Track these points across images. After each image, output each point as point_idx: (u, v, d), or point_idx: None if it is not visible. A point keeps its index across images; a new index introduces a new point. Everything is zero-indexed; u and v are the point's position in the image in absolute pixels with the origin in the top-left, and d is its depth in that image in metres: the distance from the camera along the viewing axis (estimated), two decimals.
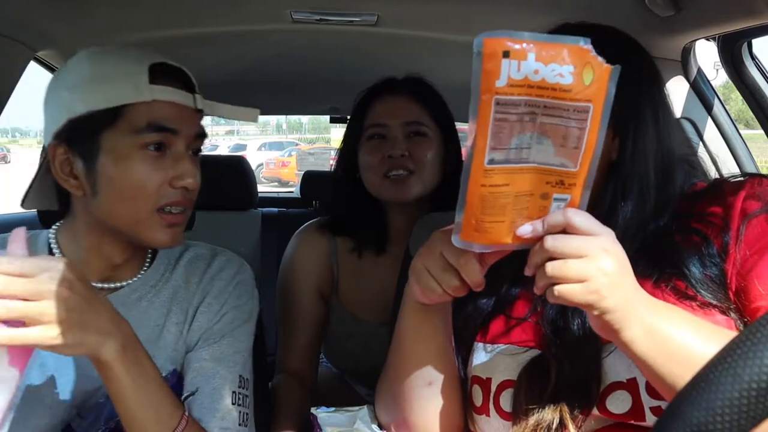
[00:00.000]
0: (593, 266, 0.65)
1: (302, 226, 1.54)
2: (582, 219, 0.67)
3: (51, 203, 1.01)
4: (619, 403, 0.77)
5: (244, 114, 0.99)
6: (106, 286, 0.98)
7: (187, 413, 0.89)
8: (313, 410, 0.94)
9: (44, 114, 0.95)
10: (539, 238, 0.67)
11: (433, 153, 1.41)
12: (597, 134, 0.65)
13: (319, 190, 2.76)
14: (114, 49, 0.94)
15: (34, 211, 1.24)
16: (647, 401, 0.76)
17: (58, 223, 1.01)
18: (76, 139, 0.90)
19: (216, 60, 1.96)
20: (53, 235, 0.99)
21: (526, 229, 0.68)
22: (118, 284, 0.99)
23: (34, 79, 1.54)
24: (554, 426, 0.79)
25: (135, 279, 1.00)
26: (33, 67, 1.45)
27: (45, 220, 1.20)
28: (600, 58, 0.62)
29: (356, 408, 0.94)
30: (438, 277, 0.76)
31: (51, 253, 0.98)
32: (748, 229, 0.79)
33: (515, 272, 0.69)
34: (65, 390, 0.94)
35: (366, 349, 1.49)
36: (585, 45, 0.62)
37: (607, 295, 0.66)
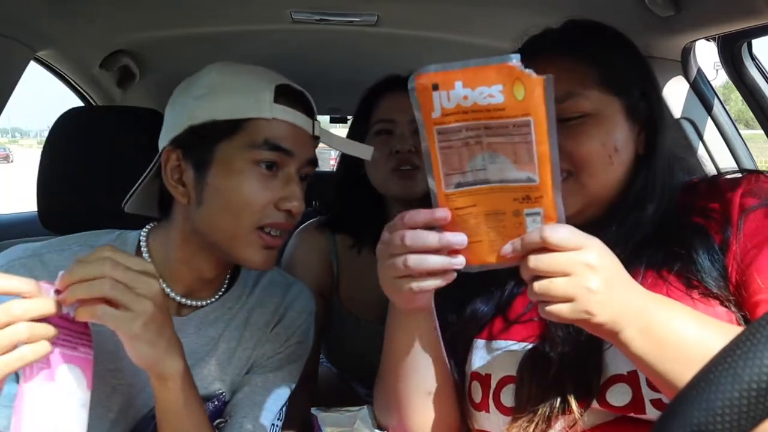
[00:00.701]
0: (579, 285, 0.64)
1: (301, 226, 1.54)
2: (560, 235, 0.65)
3: (152, 209, 1.00)
4: (619, 396, 0.78)
5: (358, 150, 0.98)
6: (189, 302, 0.97)
7: None
8: (313, 410, 0.94)
9: (165, 119, 0.95)
10: (523, 256, 0.67)
11: None
12: (547, 144, 0.65)
13: (319, 190, 2.74)
14: (244, 65, 0.95)
15: (34, 211, 1.24)
16: (647, 394, 0.76)
17: (149, 226, 0.99)
18: (193, 146, 0.90)
19: (216, 60, 1.95)
20: (144, 237, 0.97)
21: (506, 249, 0.68)
22: (200, 303, 0.98)
23: (34, 79, 1.55)
24: (556, 414, 0.79)
25: (214, 299, 1.00)
26: (33, 67, 1.45)
27: (45, 220, 1.20)
28: (529, 71, 0.63)
29: (356, 408, 0.94)
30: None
31: (139, 253, 0.96)
32: (747, 223, 0.80)
33: (513, 271, 0.69)
34: (121, 411, 0.93)
35: (366, 348, 1.43)
36: (513, 62, 0.63)
37: (598, 312, 0.65)
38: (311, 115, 0.94)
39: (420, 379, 0.86)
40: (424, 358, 0.85)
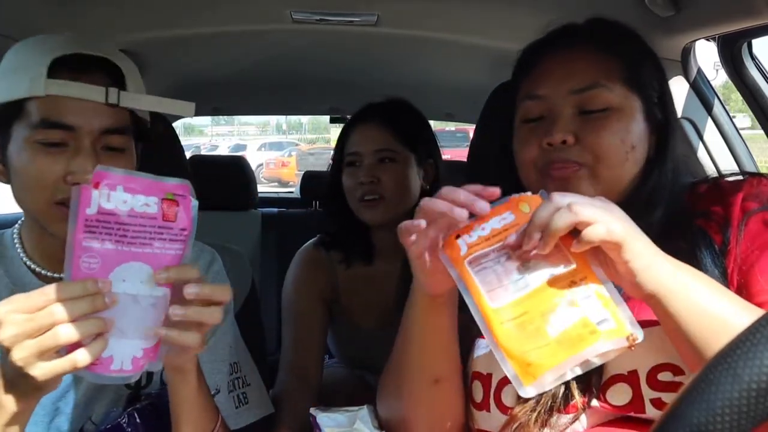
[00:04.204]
0: (608, 216, 0.67)
1: (300, 249, 1.67)
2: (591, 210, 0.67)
3: None
4: (619, 396, 0.78)
5: (176, 108, 0.94)
6: None
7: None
8: (312, 411, 0.94)
9: None
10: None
11: (403, 176, 1.53)
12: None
13: (319, 191, 2.76)
14: (39, 39, 0.93)
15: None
16: (647, 393, 0.76)
17: (21, 220, 1.01)
18: None
19: (216, 60, 1.96)
20: (16, 232, 0.99)
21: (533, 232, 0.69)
22: None
23: None
24: (556, 412, 0.79)
25: None
26: None
27: None
28: (527, 194, 0.74)
29: (356, 408, 0.94)
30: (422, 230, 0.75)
31: (17, 251, 0.97)
32: (748, 226, 0.80)
33: None
34: (80, 400, 0.96)
35: (367, 351, 1.60)
36: (513, 196, 0.73)
37: (630, 238, 0.67)
38: (117, 81, 0.90)
39: (427, 365, 0.86)
40: (435, 344, 0.85)
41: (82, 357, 0.69)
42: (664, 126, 0.90)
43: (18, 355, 0.68)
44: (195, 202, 0.74)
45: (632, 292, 0.70)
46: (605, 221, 0.66)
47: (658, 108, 0.90)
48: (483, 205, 0.71)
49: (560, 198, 0.68)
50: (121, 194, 0.71)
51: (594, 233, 0.65)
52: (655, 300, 0.69)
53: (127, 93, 0.90)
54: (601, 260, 0.70)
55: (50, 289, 0.69)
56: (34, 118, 0.87)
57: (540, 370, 0.67)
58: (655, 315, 0.71)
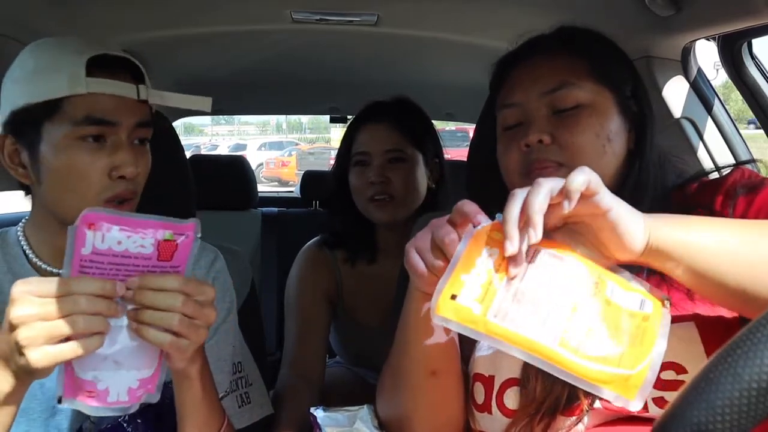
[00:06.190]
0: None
1: (303, 247, 1.66)
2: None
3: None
4: None
5: (196, 103, 0.98)
6: None
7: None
8: (312, 410, 0.94)
9: None
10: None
11: (413, 176, 1.54)
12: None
13: (319, 190, 2.76)
14: (58, 40, 0.95)
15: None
16: (650, 392, 0.76)
17: (25, 218, 1.01)
18: (20, 129, 0.92)
19: (216, 60, 1.96)
20: (21, 231, 0.99)
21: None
22: None
23: None
24: (559, 414, 0.79)
25: None
26: None
27: None
28: (482, 222, 0.69)
29: (356, 408, 0.94)
30: (424, 256, 0.75)
31: (22, 249, 0.98)
32: (736, 209, 0.81)
33: None
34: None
35: (371, 350, 1.59)
36: (474, 229, 0.69)
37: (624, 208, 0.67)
38: (137, 78, 0.94)
39: (424, 358, 0.85)
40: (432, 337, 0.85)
41: (82, 346, 0.70)
42: (640, 119, 0.91)
43: (25, 334, 0.68)
44: (197, 242, 0.75)
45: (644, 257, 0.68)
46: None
47: (632, 102, 0.91)
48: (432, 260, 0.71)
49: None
50: (116, 234, 0.71)
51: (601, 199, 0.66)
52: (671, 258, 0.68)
53: (152, 90, 0.94)
54: (594, 242, 0.69)
55: (73, 280, 0.70)
56: (75, 116, 0.89)
57: (639, 377, 0.62)
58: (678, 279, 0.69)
